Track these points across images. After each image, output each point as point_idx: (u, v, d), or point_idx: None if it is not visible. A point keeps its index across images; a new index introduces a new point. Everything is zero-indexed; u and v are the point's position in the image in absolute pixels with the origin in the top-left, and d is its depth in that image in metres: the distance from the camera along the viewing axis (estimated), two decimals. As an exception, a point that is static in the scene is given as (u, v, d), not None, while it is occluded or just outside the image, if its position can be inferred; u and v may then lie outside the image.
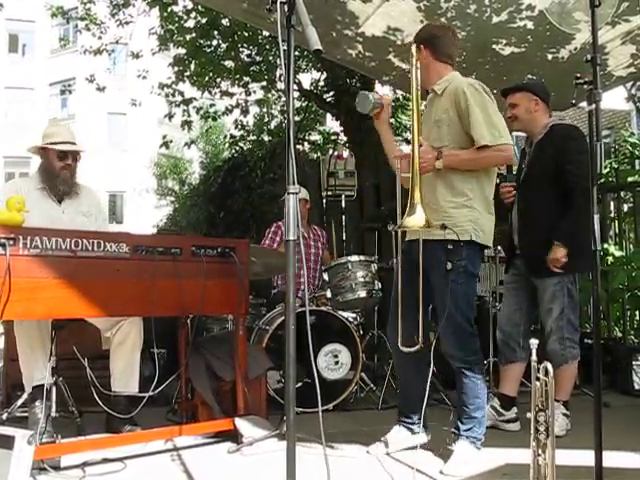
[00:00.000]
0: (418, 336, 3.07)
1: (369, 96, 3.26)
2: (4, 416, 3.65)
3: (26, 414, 3.52)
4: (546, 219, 3.77)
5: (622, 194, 6.47)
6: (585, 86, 2.35)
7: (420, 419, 3.30)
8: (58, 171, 3.80)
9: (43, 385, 3.35)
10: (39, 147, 3.83)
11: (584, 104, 2.39)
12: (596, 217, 2.37)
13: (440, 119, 3.15)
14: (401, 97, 10.66)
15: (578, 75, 2.37)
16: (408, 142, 3.09)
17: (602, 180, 6.43)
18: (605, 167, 7.04)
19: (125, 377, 3.64)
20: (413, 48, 3.08)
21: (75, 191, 3.89)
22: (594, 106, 2.34)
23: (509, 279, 4.07)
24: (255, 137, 11.77)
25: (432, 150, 3.05)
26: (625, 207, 6.57)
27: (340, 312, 4.70)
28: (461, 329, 3.09)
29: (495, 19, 4.85)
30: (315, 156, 10.50)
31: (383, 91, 9.47)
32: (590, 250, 3.67)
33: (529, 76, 5.48)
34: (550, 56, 5.28)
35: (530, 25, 4.88)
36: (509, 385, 3.96)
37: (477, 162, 3.09)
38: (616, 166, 7.28)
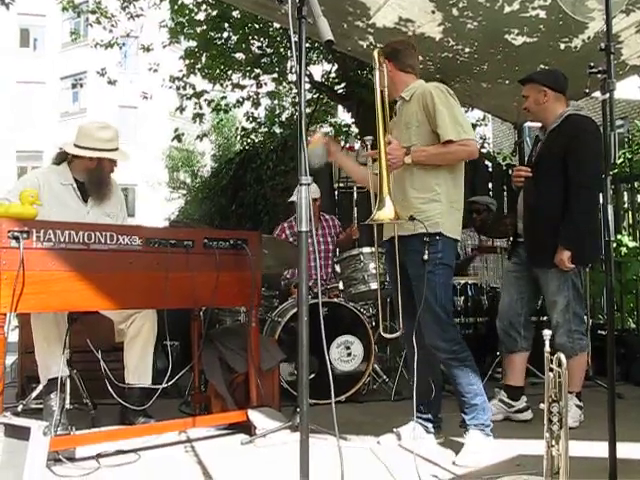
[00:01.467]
0: (398, 323, 3.23)
1: (311, 156, 3.25)
2: (19, 408, 3.69)
3: (41, 406, 3.55)
4: (551, 209, 3.73)
5: (636, 184, 6.43)
6: (599, 75, 2.33)
7: (435, 416, 3.36)
8: (107, 175, 3.78)
9: (58, 377, 3.38)
10: (94, 155, 3.66)
11: (598, 93, 2.38)
12: (610, 207, 2.35)
13: (409, 122, 3.28)
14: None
15: (592, 64, 2.35)
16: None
17: (616, 170, 6.39)
18: (619, 157, 6.99)
19: (139, 369, 3.65)
20: (375, 53, 3.30)
21: (109, 194, 3.84)
22: (608, 95, 2.32)
23: (511, 267, 4.03)
24: (266, 129, 11.77)
25: (401, 147, 3.16)
26: (639, 197, 6.53)
27: (352, 304, 4.70)
28: (440, 319, 3.15)
29: (507, 9, 4.82)
30: (327, 148, 10.48)
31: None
32: (591, 243, 3.70)
33: (541, 66, 5.45)
34: (563, 45, 5.24)
35: (542, 14, 4.85)
36: (514, 375, 3.95)
37: (443, 156, 3.17)
38: (630, 156, 7.23)
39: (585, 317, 3.91)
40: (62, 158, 3.81)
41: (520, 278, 3.96)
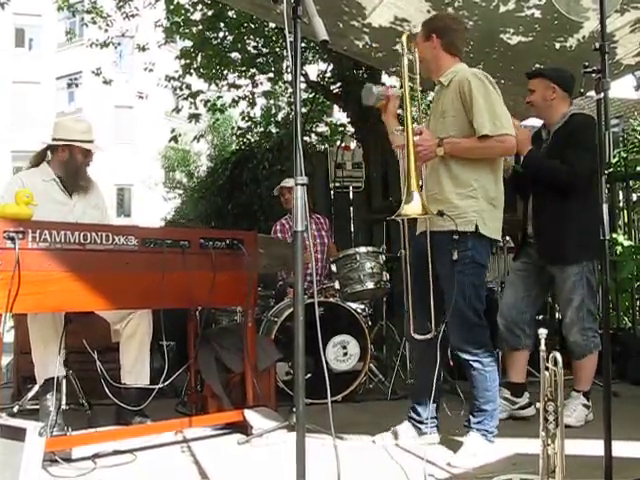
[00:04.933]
0: (430, 324, 3.11)
1: (373, 89, 3.32)
2: (15, 408, 3.67)
3: (37, 407, 3.54)
4: (561, 208, 3.73)
5: (631, 183, 6.44)
6: (593, 75, 2.33)
7: (428, 418, 3.30)
8: (80, 166, 3.80)
9: (54, 378, 3.37)
10: (66, 143, 3.76)
11: (592, 93, 2.38)
12: (605, 206, 2.35)
13: (446, 110, 3.14)
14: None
15: (586, 64, 2.35)
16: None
17: (611, 169, 6.40)
18: (614, 156, 7.00)
19: (135, 370, 3.65)
20: (404, 38, 3.13)
21: (89, 186, 3.90)
22: (602, 95, 2.32)
23: (519, 266, 4.00)
24: (262, 129, 11.76)
25: (433, 137, 3.05)
26: (634, 196, 6.54)
27: (348, 303, 4.70)
28: (468, 321, 3.05)
29: (502, 8, 4.82)
30: (322, 148, 10.49)
31: (390, 82, 9.46)
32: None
33: (537, 65, 5.45)
34: (558, 45, 5.24)
35: (538, 14, 4.85)
36: (516, 372, 3.94)
37: (478, 151, 3.05)
38: (625, 155, 7.23)
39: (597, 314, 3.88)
40: (40, 159, 3.89)
41: (528, 277, 3.93)
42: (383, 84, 3.40)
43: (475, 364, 3.05)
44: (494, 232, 3.11)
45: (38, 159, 3.89)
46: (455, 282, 2.99)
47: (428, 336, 3.13)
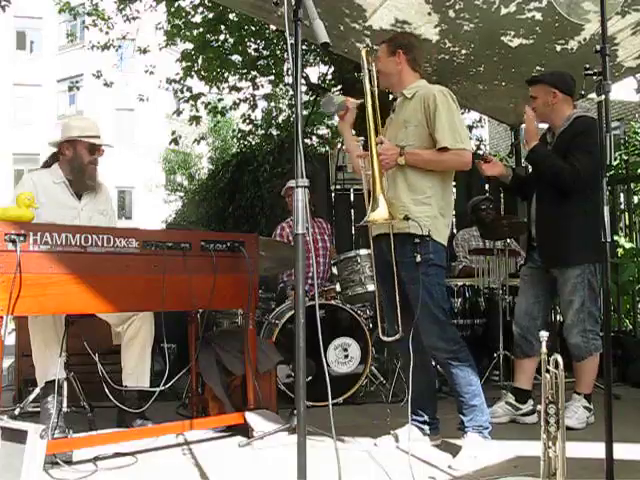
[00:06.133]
0: (398, 326, 3.20)
1: (334, 99, 3.51)
2: (16, 411, 3.67)
3: (38, 409, 3.54)
4: (563, 211, 3.73)
5: (632, 186, 6.45)
6: (594, 77, 2.33)
7: (431, 418, 3.35)
8: (86, 165, 3.78)
9: (55, 380, 3.37)
10: (71, 139, 3.75)
11: (593, 95, 2.38)
12: (606, 209, 2.35)
13: (408, 120, 3.25)
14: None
15: (587, 66, 2.35)
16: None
17: (612, 172, 6.41)
18: (615, 159, 6.99)
19: (137, 372, 3.65)
20: (363, 52, 3.29)
21: (97, 188, 3.89)
22: (603, 97, 2.32)
23: (527, 271, 4.01)
24: (263, 131, 11.78)
25: (394, 147, 3.16)
26: (635, 199, 6.54)
27: (349, 306, 4.70)
28: (438, 320, 3.13)
29: (503, 10, 4.83)
30: (323, 150, 10.49)
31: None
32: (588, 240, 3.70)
33: (537, 68, 5.46)
34: (559, 47, 5.25)
35: (539, 16, 4.86)
36: (524, 379, 3.93)
37: (437, 163, 3.17)
38: (626, 158, 7.24)
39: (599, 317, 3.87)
40: (53, 160, 3.88)
41: (536, 283, 3.93)
42: (340, 95, 3.53)
43: (453, 361, 3.12)
44: (442, 238, 3.20)
45: (51, 161, 3.88)
46: (421, 284, 3.07)
47: (396, 337, 3.22)
